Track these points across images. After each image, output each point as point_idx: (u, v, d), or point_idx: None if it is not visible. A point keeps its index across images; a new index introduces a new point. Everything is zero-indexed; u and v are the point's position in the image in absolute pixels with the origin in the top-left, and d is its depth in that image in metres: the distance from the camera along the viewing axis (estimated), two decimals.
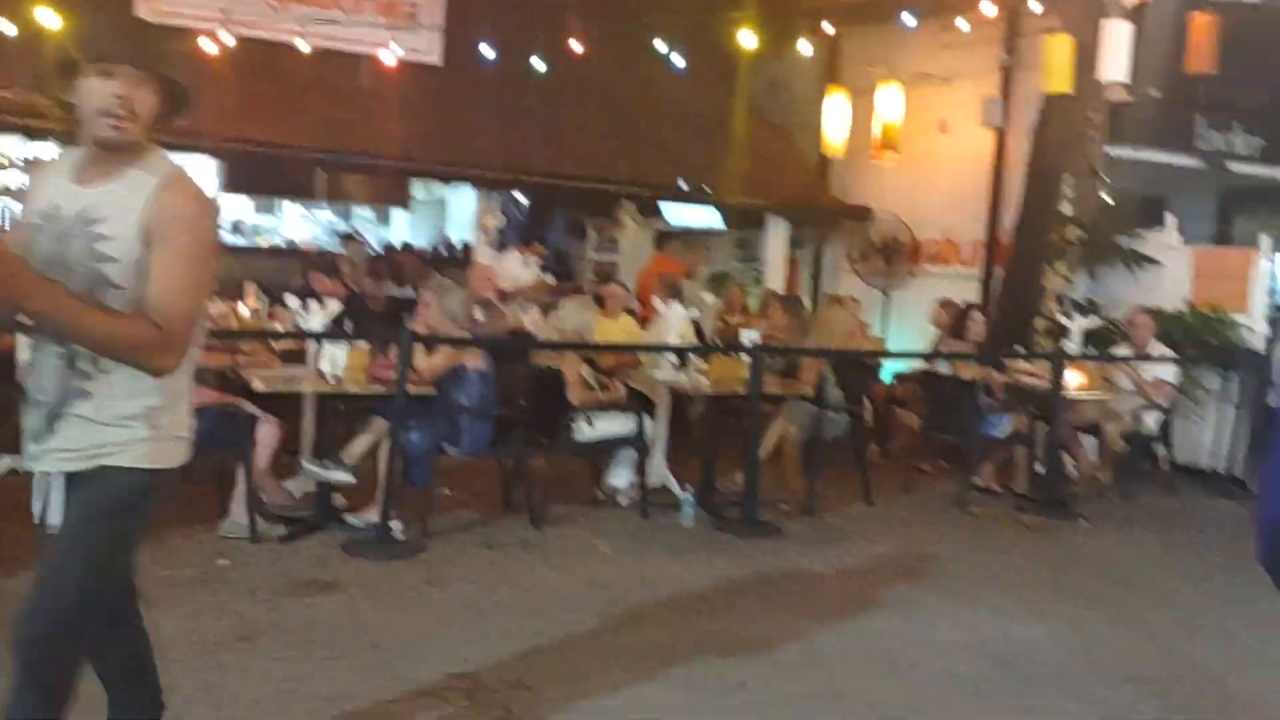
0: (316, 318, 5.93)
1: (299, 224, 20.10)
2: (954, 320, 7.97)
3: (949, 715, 3.74)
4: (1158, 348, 7.81)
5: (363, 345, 5.58)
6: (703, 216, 12.47)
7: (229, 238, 17.31)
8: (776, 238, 11.98)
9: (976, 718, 3.75)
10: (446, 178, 11.21)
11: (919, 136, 10.43)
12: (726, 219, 12.38)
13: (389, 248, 16.87)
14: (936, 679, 4.07)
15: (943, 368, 7.57)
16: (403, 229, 20.11)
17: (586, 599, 4.78)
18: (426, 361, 5.59)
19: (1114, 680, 4.13)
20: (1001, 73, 10.29)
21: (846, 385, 7.06)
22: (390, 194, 17.75)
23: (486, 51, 9.99)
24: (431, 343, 5.58)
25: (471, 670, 3.83)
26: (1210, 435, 8.29)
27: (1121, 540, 6.49)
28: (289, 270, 11.67)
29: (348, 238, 16.56)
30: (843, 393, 6.90)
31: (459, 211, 18.67)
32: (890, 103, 9.99)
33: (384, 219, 20.29)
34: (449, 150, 10.02)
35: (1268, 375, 8.05)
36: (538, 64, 10.13)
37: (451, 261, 15.80)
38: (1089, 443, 7.81)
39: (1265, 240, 8.51)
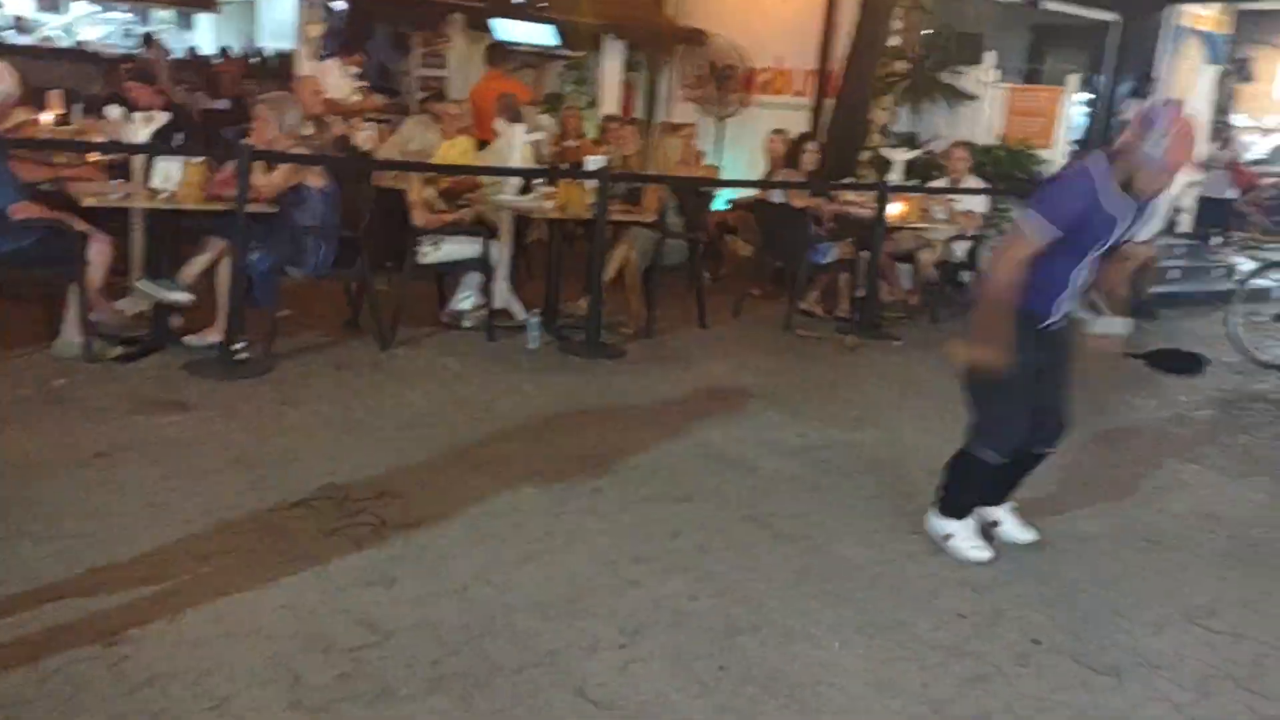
0: (142, 130, 5.64)
1: (88, 25, 18.40)
2: (788, 150, 8.23)
3: (789, 507, 4.14)
4: (971, 180, 8.32)
5: (197, 160, 5.33)
6: (536, 33, 12.16)
7: (9, 36, 15.78)
8: (612, 60, 11.86)
9: (812, 506, 4.16)
10: None
11: None
12: (562, 37, 12.12)
13: (195, 54, 15.75)
14: (775, 478, 4.47)
15: (776, 196, 7.85)
16: (207, 34, 18.72)
17: (442, 414, 4.94)
18: (266, 179, 5.43)
19: (924, 472, 4.63)
20: None
21: (685, 212, 7.28)
22: None
23: None
24: (271, 159, 5.40)
25: (339, 482, 3.96)
26: None
27: (928, 358, 7.06)
28: (84, 76, 10.81)
29: (147, 41, 15.34)
30: (682, 220, 7.11)
31: (271, 18, 17.51)
32: None
33: (186, 23, 18.84)
34: None
35: None
36: None
37: (268, 71, 14.91)
38: (904, 269, 8.35)
39: (1072, 79, 9.05)
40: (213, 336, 5.46)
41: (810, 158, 7.98)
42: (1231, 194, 12.56)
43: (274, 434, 4.45)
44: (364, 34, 10.50)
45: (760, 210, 7.97)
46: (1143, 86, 11.15)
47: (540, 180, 6.80)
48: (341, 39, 10.12)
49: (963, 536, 3.81)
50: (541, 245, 7.97)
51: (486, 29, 12.47)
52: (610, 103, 11.93)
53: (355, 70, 9.07)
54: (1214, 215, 12.24)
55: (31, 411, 4.38)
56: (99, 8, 18.64)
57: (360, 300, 6.31)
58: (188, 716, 2.48)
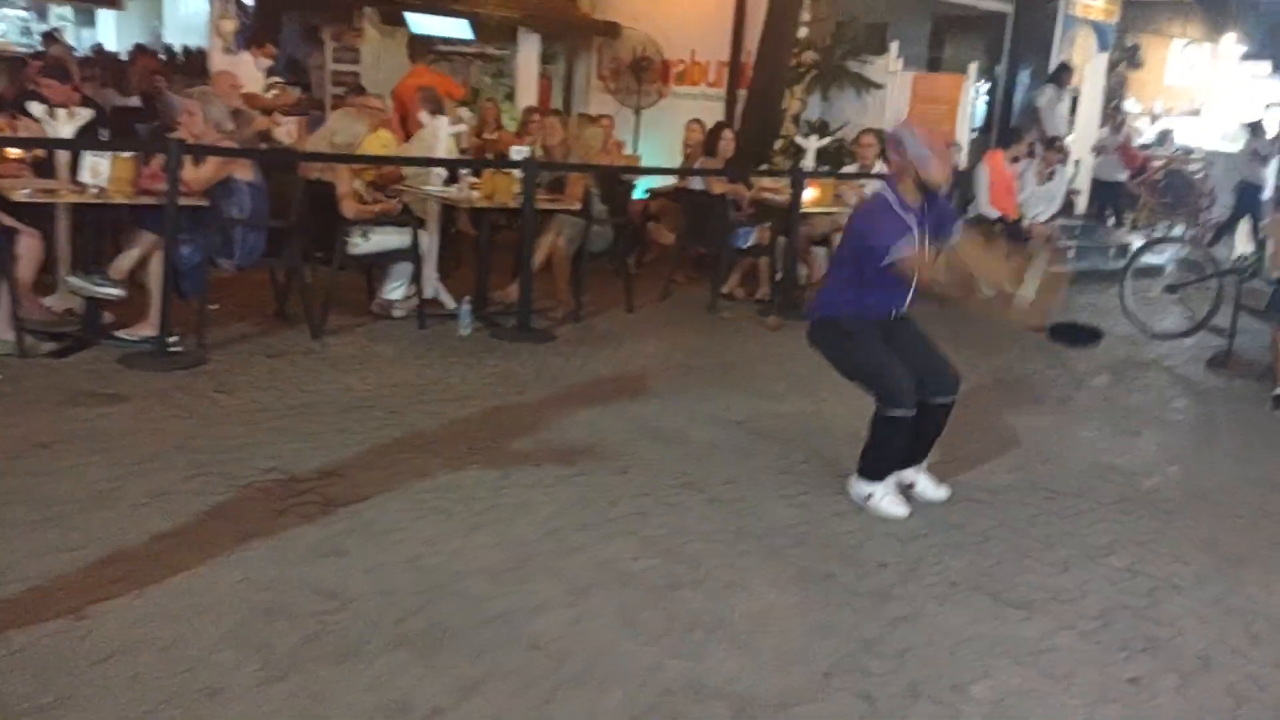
0: (65, 126, 5.61)
1: None
2: (706, 138, 8.46)
3: (721, 473, 4.35)
4: (880, 166, 8.64)
5: (127, 155, 5.33)
6: (451, 27, 12.20)
7: None
8: (528, 52, 11.96)
9: (743, 472, 4.38)
10: None
11: None
12: (476, 30, 12.19)
13: (101, 51, 15.40)
14: (707, 447, 4.69)
15: (695, 184, 8.07)
16: (109, 31, 18.29)
17: (380, 398, 5.04)
18: (195, 173, 5.45)
19: (846, 439, 4.90)
20: None
21: (608, 200, 7.45)
22: None
23: None
24: (201, 153, 5.42)
25: (283, 466, 4.05)
26: None
27: None
28: None
29: (49, 38, 14.95)
30: (605, 207, 7.29)
31: (178, 13, 17.20)
32: None
33: (88, 20, 18.36)
34: None
35: (969, 192, 9.16)
36: None
37: (179, 67, 14.67)
38: (819, 253, 8.64)
39: (973, 68, 9.45)
40: (145, 330, 5.47)
41: (727, 145, 8.21)
42: (1122, 176, 13.18)
43: (214, 422, 4.51)
44: (274, 26, 10.42)
45: (681, 198, 8.18)
46: (1061, 76, 11.67)
47: (466, 171, 6.90)
48: (253, 34, 10.06)
49: (881, 495, 4.07)
50: (465, 235, 8.08)
51: (400, 22, 12.49)
52: (528, 95, 12.03)
53: (267, 63, 9.03)
54: (1107, 197, 12.86)
55: None
56: None
57: (288, 290, 6.36)
58: (161, 681, 2.58)
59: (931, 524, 4.01)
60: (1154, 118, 16.31)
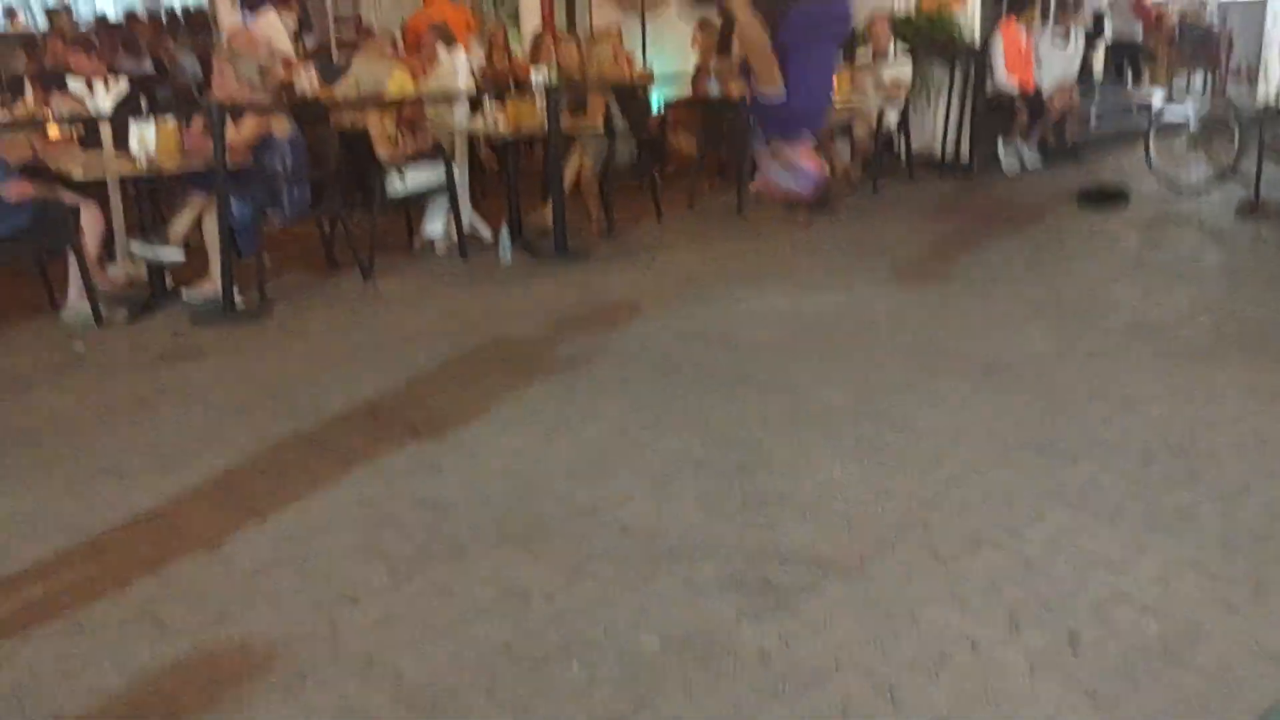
0: (106, 99, 5.82)
1: None
2: (719, 37, 8.49)
3: (771, 366, 4.59)
4: (895, 50, 8.69)
5: (169, 123, 5.54)
6: None
7: None
8: None
9: (791, 363, 4.62)
10: None
11: None
12: None
13: (102, 20, 15.47)
14: (754, 344, 4.92)
15: (712, 89, 8.16)
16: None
17: (439, 329, 5.31)
18: (235, 132, 5.65)
19: (886, 321, 5.12)
20: None
21: (628, 114, 7.58)
22: None
23: None
24: (239, 114, 5.62)
25: (366, 398, 4.34)
26: (940, 125, 9.40)
27: (872, 225, 7.52)
28: None
29: (52, 13, 15.04)
30: (626, 122, 7.43)
31: None
32: None
33: None
34: None
35: (986, 65, 9.16)
36: None
37: (182, 27, 14.75)
38: (841, 143, 8.74)
39: None
40: (207, 288, 5.75)
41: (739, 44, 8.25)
42: (1138, 33, 13.02)
43: (291, 366, 4.80)
44: None
45: (700, 106, 8.28)
46: None
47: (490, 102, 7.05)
48: None
49: None
50: (486, 165, 8.27)
51: None
52: (531, 12, 12.04)
53: (293, 18, 9.14)
54: (1124, 55, 12.73)
55: (60, 374, 4.69)
56: None
57: (333, 238, 6.60)
58: (303, 594, 2.89)
59: (977, 389, 4.24)
60: None
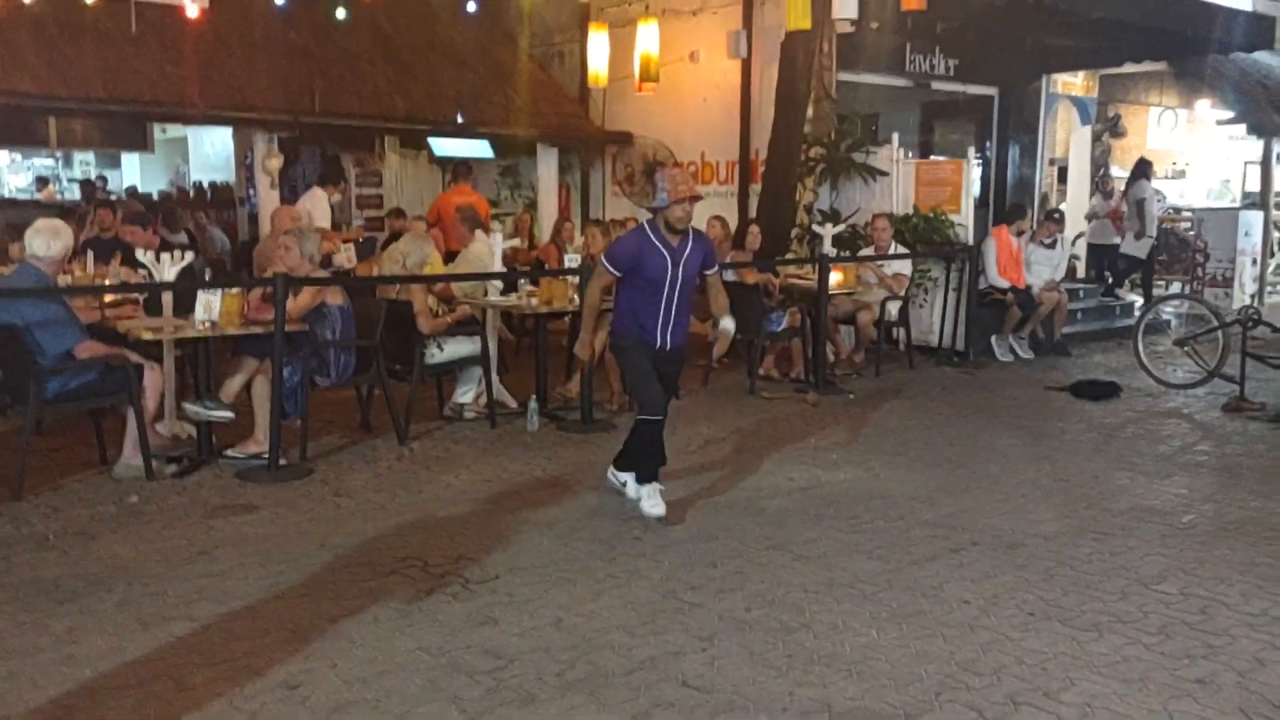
0: (171, 268, 6.23)
1: (9, 173, 18.62)
2: (735, 233, 9.11)
3: (801, 535, 4.83)
4: (895, 247, 9.30)
5: (234, 291, 5.92)
6: (472, 148, 12.98)
7: None
8: (547, 165, 12.75)
9: (819, 533, 4.86)
10: (220, 120, 11.12)
11: (671, 67, 11.43)
12: (495, 149, 12.98)
13: (134, 192, 16.24)
14: (781, 514, 5.18)
15: (728, 275, 8.66)
16: (133, 172, 19.19)
17: (477, 489, 5.56)
18: (293, 301, 6.03)
19: (903, 498, 5.39)
20: (743, 7, 11.39)
21: None
22: (129, 138, 17.00)
23: None
24: (302, 284, 6.01)
25: (417, 553, 4.54)
26: (937, 317, 9.94)
27: (879, 407, 7.89)
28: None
29: (88, 185, 15.81)
30: None
31: (203, 153, 18.11)
32: (649, 37, 10.94)
33: (113, 162, 19.24)
34: (221, 92, 10.06)
35: (979, 264, 9.78)
36: (315, 7, 10.44)
37: (209, 203, 15.51)
38: (846, 330, 9.24)
39: (971, 151, 10.16)
40: (252, 448, 6.00)
41: (755, 239, 8.87)
42: (1117, 239, 13.86)
43: (342, 522, 5.01)
44: (338, 168, 11.24)
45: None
46: (1146, 168, 12.64)
47: (523, 281, 7.52)
48: (319, 172, 10.78)
49: (648, 496, 5.05)
50: (503, 341, 8.68)
51: (419, 145, 13.34)
52: (549, 203, 12.80)
53: (336, 198, 9.76)
54: (1104, 259, 13.51)
55: (121, 525, 4.88)
56: (18, 155, 18.88)
57: (370, 403, 6.91)
58: None
59: (999, 564, 4.48)
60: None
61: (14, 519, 4.94)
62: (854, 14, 9.50)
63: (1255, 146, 16.40)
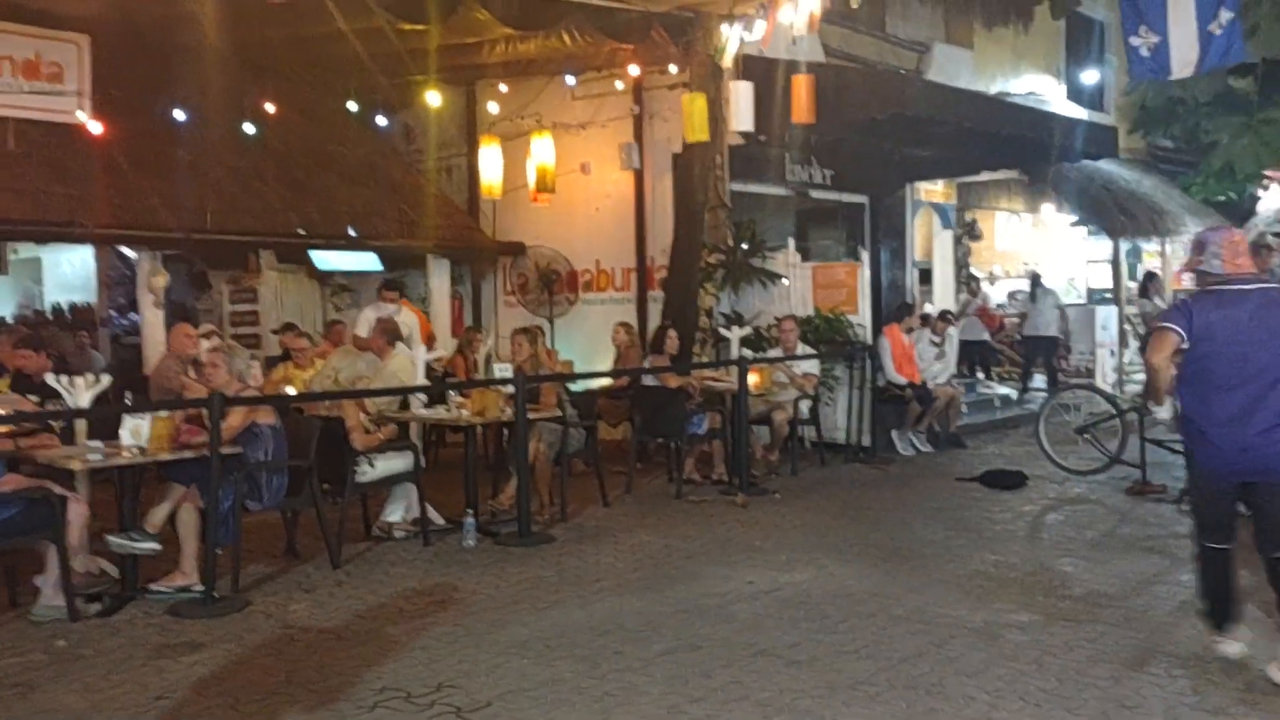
0: (85, 394, 5.85)
1: None
2: (653, 338, 9.20)
3: (782, 639, 4.77)
4: (801, 348, 9.55)
5: (164, 415, 5.58)
6: (359, 261, 12.77)
7: None
8: (440, 276, 12.64)
9: (799, 636, 4.81)
10: (106, 239, 10.61)
11: (563, 178, 11.61)
12: (383, 261, 12.80)
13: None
14: (753, 619, 5.13)
15: (649, 380, 8.72)
16: None
17: (434, 612, 5.31)
18: (226, 422, 5.72)
19: (867, 594, 5.42)
20: (634, 122, 11.70)
21: (575, 404, 8.00)
22: None
23: (140, 112, 9.83)
24: (239, 404, 5.72)
25: (396, 684, 4.29)
26: (841, 414, 10.19)
27: (806, 505, 7.97)
28: None
29: None
30: (575, 411, 7.83)
31: (59, 271, 17.23)
32: (544, 149, 11.12)
33: None
34: (109, 210, 9.66)
35: (877, 362, 10.12)
36: (197, 122, 10.23)
37: (68, 325, 14.77)
38: (762, 431, 9.36)
39: (864, 254, 10.61)
40: (180, 580, 5.60)
41: (672, 343, 8.97)
42: (985, 335, 14.62)
43: (298, 656, 4.69)
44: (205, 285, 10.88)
45: (639, 394, 8.79)
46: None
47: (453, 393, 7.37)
48: (190, 289, 10.40)
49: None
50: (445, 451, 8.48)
51: (299, 260, 13.02)
52: (441, 314, 12.65)
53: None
54: (974, 354, 14.22)
55: (61, 671, 4.44)
56: None
57: (295, 526, 6.57)
58: None
59: (989, 656, 4.53)
60: (993, 280, 18.13)
61: None
62: (750, 127, 9.87)
63: (1099, 246, 17.73)
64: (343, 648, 4.80)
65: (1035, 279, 14.40)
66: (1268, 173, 16.77)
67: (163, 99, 10.18)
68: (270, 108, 10.01)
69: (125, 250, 13.43)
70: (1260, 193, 17.52)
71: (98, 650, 4.74)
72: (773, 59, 9.87)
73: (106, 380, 5.98)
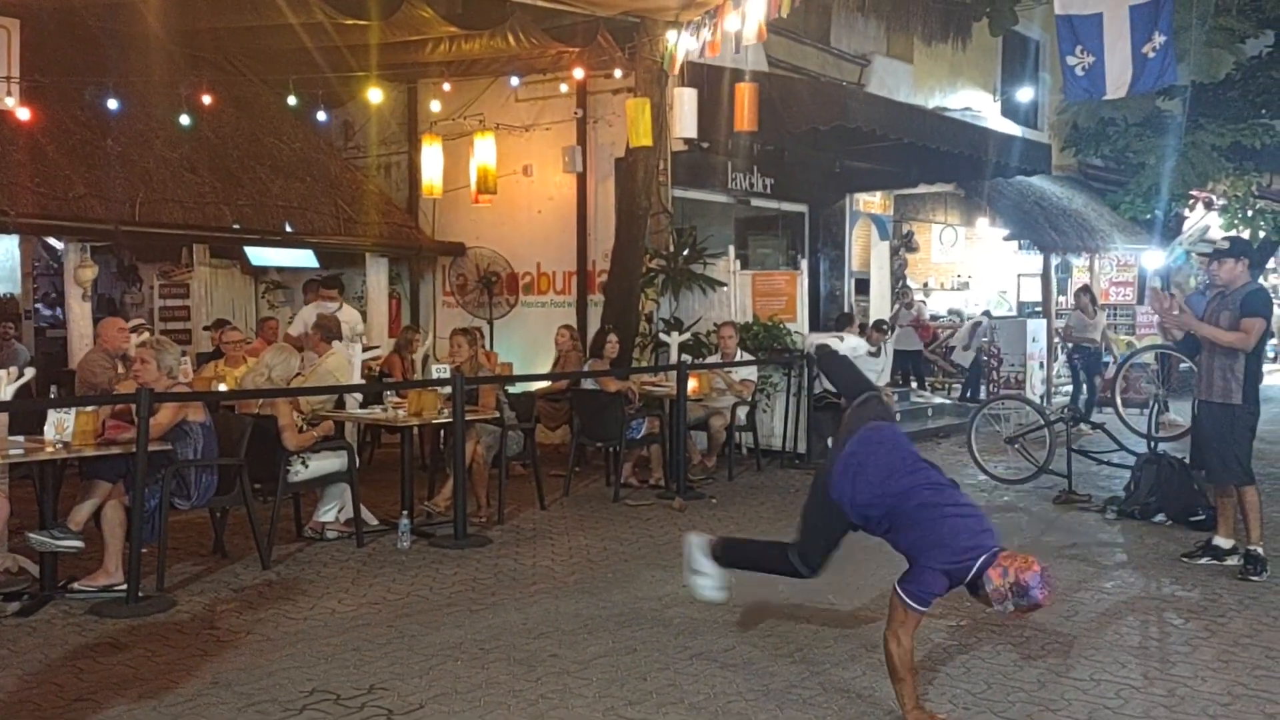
0: (6, 387, 5.67)
1: None
2: (593, 341, 9.18)
3: (718, 643, 4.79)
4: (740, 354, 9.60)
5: (89, 409, 5.43)
6: (294, 258, 12.59)
7: None
8: (377, 275, 12.50)
9: (734, 640, 4.84)
10: (32, 229, 10.29)
11: (505, 179, 11.55)
12: (320, 258, 12.62)
13: None
14: (688, 622, 5.13)
15: (588, 384, 8.70)
16: None
17: (364, 615, 5.24)
18: (154, 419, 5.59)
19: (793, 591, 5.46)
20: (577, 125, 11.68)
21: (514, 406, 7.95)
22: None
23: (70, 99, 9.58)
24: (168, 400, 5.59)
25: (325, 686, 4.22)
26: (779, 421, 10.27)
27: (743, 510, 8.02)
28: None
29: None
30: (514, 413, 7.79)
31: None
32: (486, 150, 11.06)
33: None
34: (34, 199, 9.38)
35: (815, 370, 10.21)
36: (129, 111, 9.99)
37: None
38: (699, 436, 9.40)
39: (803, 263, 10.71)
40: (103, 579, 5.46)
41: (613, 347, 8.96)
42: (918, 346, 14.86)
43: (225, 657, 4.59)
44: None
45: (578, 398, 8.77)
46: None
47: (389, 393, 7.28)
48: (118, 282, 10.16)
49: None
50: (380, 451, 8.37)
51: (232, 255, 12.79)
52: (378, 313, 12.50)
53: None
54: (907, 364, 14.44)
55: None
56: None
57: (224, 526, 6.44)
58: None
59: (921, 666, 4.58)
60: (929, 292, 18.44)
61: None
62: (693, 134, 9.91)
63: (1030, 260, 18.10)
64: (271, 649, 4.71)
65: (1084, 290, 14.51)
66: (1194, 192, 17.26)
67: (94, 86, 9.93)
68: (206, 98, 9.78)
69: (52, 241, 13.14)
70: (1186, 212, 18.03)
71: (14, 650, 4.59)
72: (718, 66, 9.92)
73: (30, 373, 5.79)
